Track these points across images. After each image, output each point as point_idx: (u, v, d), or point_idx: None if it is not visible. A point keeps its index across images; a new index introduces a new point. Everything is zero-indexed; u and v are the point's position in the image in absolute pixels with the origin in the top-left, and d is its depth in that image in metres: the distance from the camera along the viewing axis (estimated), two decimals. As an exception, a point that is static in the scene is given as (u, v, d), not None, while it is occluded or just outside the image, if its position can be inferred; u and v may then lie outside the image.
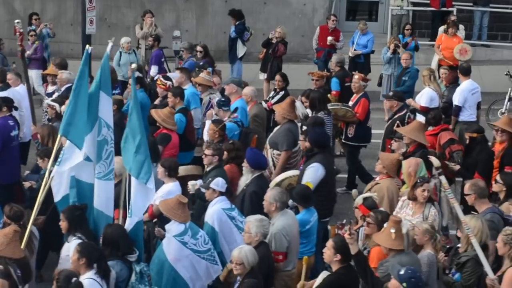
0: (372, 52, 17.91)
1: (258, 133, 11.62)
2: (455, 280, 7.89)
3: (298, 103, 11.67)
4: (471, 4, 21.08)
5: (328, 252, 7.56)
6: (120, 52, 16.69)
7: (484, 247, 7.80)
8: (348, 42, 18.06)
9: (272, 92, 13.78)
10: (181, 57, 17.29)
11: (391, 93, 12.59)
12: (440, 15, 20.52)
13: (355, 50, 17.65)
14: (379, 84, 16.96)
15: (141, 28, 18.09)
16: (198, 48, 16.14)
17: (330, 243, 7.59)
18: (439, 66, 17.39)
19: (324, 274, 7.62)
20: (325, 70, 17.27)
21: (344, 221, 7.89)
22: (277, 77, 13.77)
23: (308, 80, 18.10)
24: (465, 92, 13.29)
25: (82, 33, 17.10)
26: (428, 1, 20.83)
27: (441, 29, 18.41)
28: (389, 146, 11.50)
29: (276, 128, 11.15)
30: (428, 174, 9.34)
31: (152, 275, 7.98)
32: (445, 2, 20.45)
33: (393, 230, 7.63)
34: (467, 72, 13.54)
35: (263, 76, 17.62)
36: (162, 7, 20.99)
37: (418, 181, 8.88)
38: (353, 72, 14.21)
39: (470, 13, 21.25)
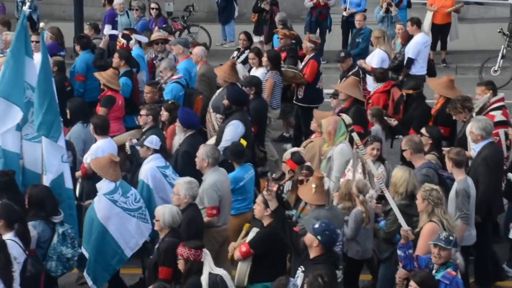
0: (365, 10, 17.84)
1: (204, 93, 11.54)
2: (380, 227, 8.18)
3: (239, 66, 11.71)
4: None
5: (258, 207, 7.70)
6: None
7: (412, 197, 7.97)
8: (340, 0, 17.97)
9: (236, 52, 13.73)
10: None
11: (342, 54, 12.70)
12: (433, -28, 20.40)
13: (348, 9, 17.55)
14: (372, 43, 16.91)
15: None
16: (153, 5, 16.07)
17: (259, 198, 7.72)
18: (433, 25, 17.41)
19: (254, 231, 7.74)
20: (317, 31, 17.30)
21: (274, 175, 7.94)
22: (241, 36, 13.76)
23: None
24: (419, 45, 13.51)
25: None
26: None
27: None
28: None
29: (218, 91, 11.10)
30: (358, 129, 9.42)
31: (84, 232, 8.10)
32: (437, -41, 20.33)
33: (314, 185, 7.81)
34: (419, 24, 13.75)
35: (257, 38, 17.53)
36: (154, -33, 20.77)
37: (369, 139, 9.09)
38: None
39: (463, -30, 21.16)
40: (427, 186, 7.75)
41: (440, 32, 17.49)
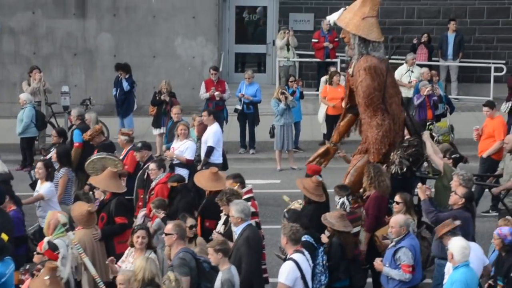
0: (259, 102, 18.27)
1: None
2: None
3: None
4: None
5: None
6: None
7: (157, 285, 8.22)
8: (234, 93, 18.36)
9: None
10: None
11: (139, 144, 12.87)
12: (325, 65, 21.23)
13: (244, 95, 17.88)
14: (272, 135, 17.27)
15: (29, 84, 17.89)
16: None
17: None
18: (326, 116, 17.98)
19: None
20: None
21: (28, 266, 7.95)
22: (53, 132, 13.92)
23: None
24: (217, 133, 14.02)
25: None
26: (313, 53, 21.54)
27: (323, 79, 18.98)
28: (142, 196, 11.81)
29: None
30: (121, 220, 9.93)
31: None
32: (329, 53, 21.22)
33: (47, 277, 7.86)
34: (216, 116, 14.30)
35: (157, 131, 17.70)
36: (50, 62, 20.84)
37: (135, 228, 9.39)
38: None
39: (353, 63, 22.05)
40: (168, 275, 8.12)
41: (334, 122, 17.99)
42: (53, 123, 18.46)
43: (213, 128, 14.08)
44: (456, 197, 9.80)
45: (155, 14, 20.96)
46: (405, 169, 10.72)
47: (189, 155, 13.45)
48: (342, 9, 11.22)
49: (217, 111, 14.92)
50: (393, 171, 10.71)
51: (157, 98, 17.50)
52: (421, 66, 19.55)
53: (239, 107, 17.94)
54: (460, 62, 21.79)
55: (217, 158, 13.92)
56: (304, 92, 18.64)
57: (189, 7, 20.98)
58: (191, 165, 13.38)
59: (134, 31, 20.95)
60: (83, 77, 21.10)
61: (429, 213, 9.83)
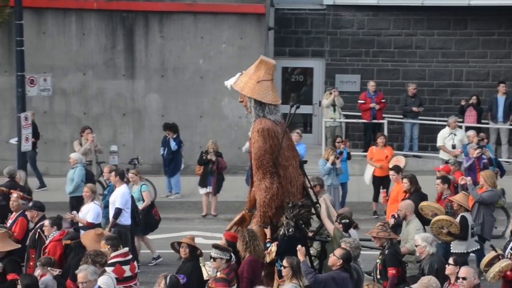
0: (305, 162, 18.18)
1: None
2: None
3: None
4: (401, 116, 21.83)
5: None
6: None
7: None
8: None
9: None
10: None
11: (31, 204, 12.81)
12: (372, 126, 21.17)
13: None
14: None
15: (81, 144, 18.08)
16: None
17: None
18: (373, 177, 17.84)
19: None
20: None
21: None
22: None
23: (242, 192, 18.33)
24: (126, 194, 13.89)
25: (18, 150, 17.04)
26: (360, 114, 21.51)
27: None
28: (33, 256, 11.71)
29: None
30: None
31: None
32: (376, 114, 21.17)
33: None
34: (122, 176, 14.14)
35: (203, 190, 17.76)
36: (99, 122, 21.13)
37: None
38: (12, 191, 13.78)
39: (400, 125, 21.97)
40: None
41: (380, 184, 17.91)
42: (101, 182, 18.62)
43: (121, 190, 13.95)
44: (334, 258, 10.03)
45: (202, 74, 21.21)
46: (291, 230, 10.60)
47: (90, 218, 13.41)
48: (239, 73, 11.28)
49: (125, 171, 14.78)
50: (281, 233, 10.64)
51: (204, 157, 17.60)
52: (470, 128, 19.35)
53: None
54: (511, 125, 21.55)
55: (125, 219, 13.85)
56: (351, 153, 18.55)
57: (236, 67, 21.03)
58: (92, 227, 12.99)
59: (182, 91, 21.20)
60: (132, 137, 21.33)
61: (307, 274, 9.95)
